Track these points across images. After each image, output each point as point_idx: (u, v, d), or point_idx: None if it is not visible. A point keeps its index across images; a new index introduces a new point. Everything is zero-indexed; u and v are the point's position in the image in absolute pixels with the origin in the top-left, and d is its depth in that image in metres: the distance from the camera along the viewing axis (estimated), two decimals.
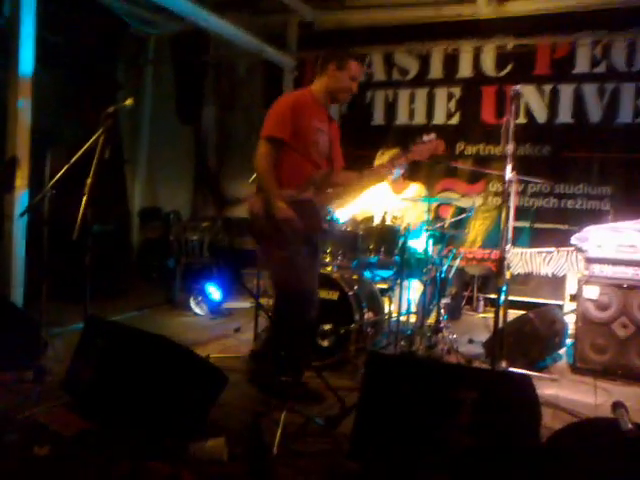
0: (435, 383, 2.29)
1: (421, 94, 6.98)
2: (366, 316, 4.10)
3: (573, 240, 4.51)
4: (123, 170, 7.54)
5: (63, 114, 6.12)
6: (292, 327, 3.23)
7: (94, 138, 3.07)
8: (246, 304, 5.90)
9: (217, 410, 2.80)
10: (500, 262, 3.31)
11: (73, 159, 3.07)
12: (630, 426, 1.55)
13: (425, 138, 3.32)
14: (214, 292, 5.72)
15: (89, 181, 3.01)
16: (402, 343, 4.30)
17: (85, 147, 3.07)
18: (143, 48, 8.05)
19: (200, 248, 6.69)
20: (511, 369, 3.92)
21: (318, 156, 3.40)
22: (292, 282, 3.20)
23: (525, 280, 5.90)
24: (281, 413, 2.70)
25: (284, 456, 2.52)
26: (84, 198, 2.97)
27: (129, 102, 3.38)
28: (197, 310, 5.74)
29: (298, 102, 3.33)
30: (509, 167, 3.06)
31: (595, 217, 5.79)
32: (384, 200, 4.91)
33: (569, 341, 4.58)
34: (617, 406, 1.69)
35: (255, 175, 3.45)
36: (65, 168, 3.08)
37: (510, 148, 3.04)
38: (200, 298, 5.74)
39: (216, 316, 5.64)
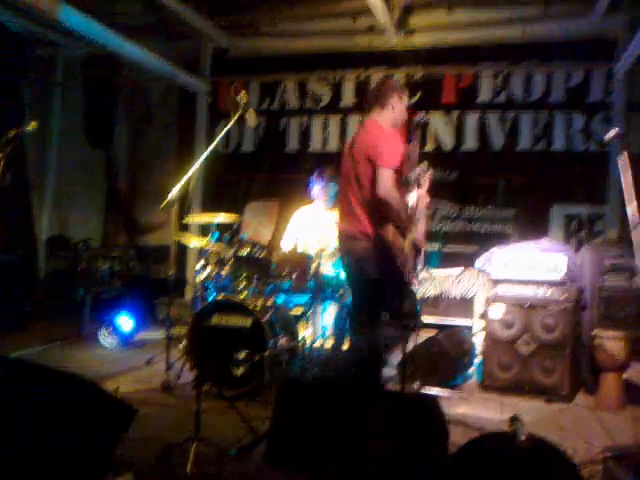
0: (345, 407, 2.31)
1: (334, 121, 7.12)
2: (280, 342, 4.09)
3: (478, 262, 4.69)
4: (29, 196, 7.23)
5: None
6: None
7: None
8: (159, 334, 5.75)
9: (126, 444, 2.71)
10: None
11: None
12: (524, 438, 1.63)
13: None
14: (125, 323, 5.54)
15: None
16: (317, 368, 4.31)
17: None
18: (51, 69, 7.79)
19: (111, 277, 6.49)
20: (423, 389, 4.02)
21: None
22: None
23: (435, 302, 6.07)
24: (192, 444, 2.64)
25: None
26: None
27: (32, 126, 3.28)
28: (107, 342, 5.54)
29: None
30: (414, 192, 3.16)
31: (500, 239, 6.05)
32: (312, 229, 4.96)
33: (478, 360, 4.74)
34: (513, 420, 1.77)
35: (384, 204, 3.37)
36: None
37: (413, 175, 3.14)
38: (110, 329, 5.54)
39: (127, 348, 5.47)
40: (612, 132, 2.88)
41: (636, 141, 6.18)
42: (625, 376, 4.10)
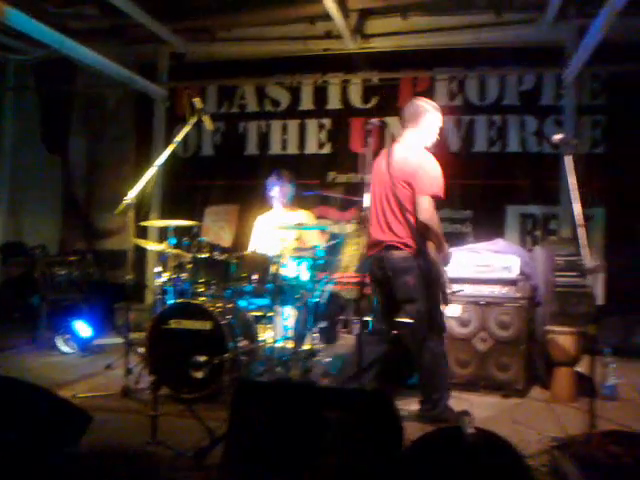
0: (300, 406, 2.33)
1: (293, 125, 7.16)
2: (240, 345, 4.10)
3: None
4: None
5: None
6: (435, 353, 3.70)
7: None
8: (118, 340, 5.68)
9: (82, 451, 2.68)
10: (361, 288, 3.44)
11: None
12: (471, 431, 1.68)
13: None
14: (83, 329, 5.47)
15: None
16: (278, 370, 4.33)
17: None
18: (2, 74, 7.64)
19: (69, 283, 6.39)
20: (381, 388, 4.06)
21: None
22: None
23: None
24: (149, 448, 2.63)
25: None
26: None
27: None
28: (65, 349, 5.46)
29: None
30: (367, 195, 3.21)
31: (458, 239, 6.15)
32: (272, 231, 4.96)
33: None
34: (461, 414, 1.82)
35: (425, 227, 3.61)
36: None
37: (369, 178, 3.20)
38: (68, 336, 5.46)
39: (86, 354, 5.39)
40: (558, 137, 2.99)
41: (585, 142, 6.42)
42: (577, 369, 4.22)
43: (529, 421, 3.68)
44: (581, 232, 2.79)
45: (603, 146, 6.43)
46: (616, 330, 5.55)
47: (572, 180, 2.85)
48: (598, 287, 5.64)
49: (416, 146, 3.74)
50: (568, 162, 2.91)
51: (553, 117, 6.52)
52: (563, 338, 4.15)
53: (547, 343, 4.25)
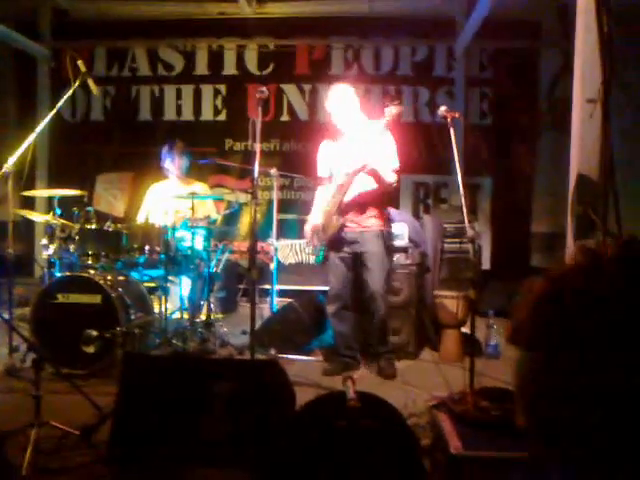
0: (190, 378, 2.32)
1: (187, 90, 6.97)
2: (133, 317, 4.01)
3: None
4: None
5: None
6: None
7: None
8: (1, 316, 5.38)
9: None
10: (251, 256, 3.44)
11: None
12: (352, 396, 1.74)
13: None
14: None
15: None
16: (174, 342, 4.28)
17: None
18: None
19: None
20: (279, 356, 4.12)
21: None
22: None
23: (297, 269, 6.20)
24: (32, 430, 2.53)
25: (35, 476, 2.36)
26: None
27: None
28: None
29: None
30: (256, 164, 3.20)
31: None
32: (166, 202, 4.83)
33: None
34: (345, 379, 1.88)
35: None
36: None
37: (257, 146, 3.18)
38: None
39: None
40: (442, 109, 3.09)
41: (474, 112, 6.69)
42: (463, 330, 4.45)
43: (418, 382, 3.86)
44: (464, 201, 2.92)
45: (490, 118, 6.74)
46: (500, 293, 5.89)
47: (456, 151, 2.97)
48: (484, 253, 5.96)
49: None
50: (452, 134, 3.02)
51: (445, 88, 6.73)
52: (450, 302, 4.36)
53: (436, 307, 4.45)
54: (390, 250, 4.01)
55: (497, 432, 2.14)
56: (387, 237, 3.92)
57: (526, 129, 6.63)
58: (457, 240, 4.68)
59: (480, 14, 5.37)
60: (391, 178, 3.76)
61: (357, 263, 3.89)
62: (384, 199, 3.94)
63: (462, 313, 4.36)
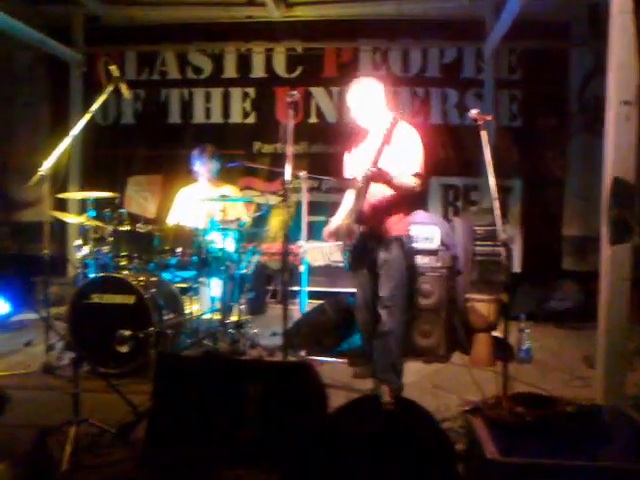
0: (223, 379, 2.34)
1: (216, 93, 7.03)
2: (166, 318, 4.06)
3: None
4: None
5: None
6: None
7: None
8: (37, 315, 5.49)
9: (1, 432, 2.61)
10: (283, 259, 3.45)
11: None
12: (388, 400, 1.74)
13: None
14: (0, 305, 5.26)
15: None
16: (205, 342, 4.32)
17: None
18: None
19: None
20: (309, 358, 4.14)
21: None
22: None
23: (325, 271, 6.20)
24: (70, 427, 2.58)
25: (74, 472, 2.41)
26: None
27: None
28: None
29: None
30: (288, 167, 3.22)
31: None
32: (196, 205, 4.88)
33: None
34: (377, 383, 1.88)
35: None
36: None
37: (290, 149, 3.19)
38: None
39: (4, 330, 5.19)
40: (474, 112, 3.07)
41: (503, 114, 6.64)
42: (494, 334, 4.42)
43: (450, 386, 3.84)
44: (495, 204, 2.89)
45: (520, 120, 6.68)
46: (531, 296, 5.85)
47: (488, 154, 2.94)
48: (515, 256, 5.92)
49: None
50: (484, 137, 2.99)
51: (474, 90, 6.69)
52: (481, 305, 4.33)
53: (467, 310, 4.42)
54: (410, 258, 3.71)
55: (533, 438, 2.13)
56: (406, 244, 3.60)
57: (556, 131, 6.55)
58: (489, 243, 4.65)
59: (510, 15, 5.33)
60: (411, 183, 3.45)
61: (374, 271, 3.58)
62: (406, 204, 3.61)
63: (493, 317, 4.34)
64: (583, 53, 6.41)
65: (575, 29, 6.47)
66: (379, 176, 3.34)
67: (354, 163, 3.69)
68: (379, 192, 3.49)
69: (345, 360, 4.36)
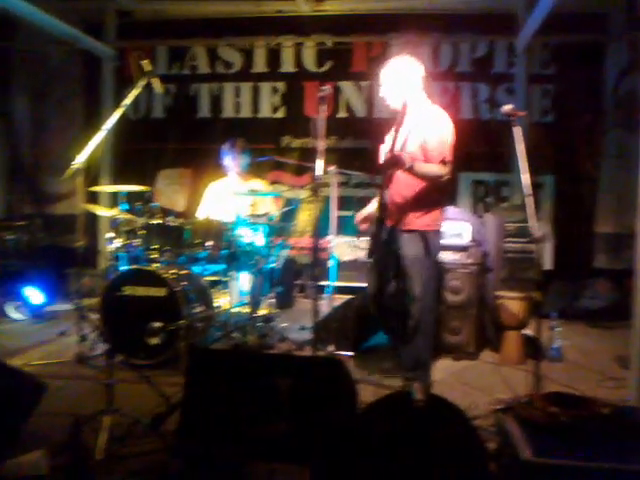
0: (254, 373, 2.36)
1: (246, 88, 7.06)
2: (196, 311, 4.10)
3: None
4: None
5: None
6: None
7: None
8: (71, 306, 5.59)
9: (38, 420, 2.66)
10: (314, 253, 3.45)
11: None
12: (419, 397, 1.74)
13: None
14: (34, 295, 5.36)
15: None
16: (234, 335, 4.35)
17: None
18: None
19: (17, 248, 6.21)
20: (337, 353, 4.14)
21: None
22: None
23: (354, 266, 6.19)
24: (104, 416, 2.63)
25: (108, 461, 2.46)
26: None
27: None
28: (16, 316, 5.35)
29: None
30: (320, 162, 3.21)
31: None
32: (226, 199, 4.92)
33: None
34: (410, 380, 1.88)
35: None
36: None
37: (321, 144, 3.19)
38: (19, 303, 5.34)
39: (38, 321, 5.29)
40: (507, 107, 3.03)
41: (535, 109, 6.55)
42: (524, 332, 4.37)
43: (479, 383, 3.81)
44: (529, 201, 2.85)
45: (552, 115, 6.58)
46: (562, 294, 5.77)
47: (521, 150, 2.90)
48: (546, 253, 5.83)
49: None
50: (517, 132, 2.95)
51: (505, 85, 6.61)
52: (512, 303, 4.28)
53: (497, 307, 4.38)
54: (434, 253, 3.47)
55: (567, 439, 2.10)
56: (431, 239, 3.39)
57: (590, 127, 6.44)
58: (521, 240, 4.59)
59: (544, 9, 5.23)
60: (435, 170, 3.23)
61: (396, 265, 3.44)
62: (432, 196, 3.38)
63: (524, 314, 4.29)
64: (619, 47, 6.29)
65: (612, 22, 6.34)
66: (396, 162, 3.12)
67: (383, 152, 3.54)
68: (403, 182, 3.33)
69: (372, 355, 4.36)
